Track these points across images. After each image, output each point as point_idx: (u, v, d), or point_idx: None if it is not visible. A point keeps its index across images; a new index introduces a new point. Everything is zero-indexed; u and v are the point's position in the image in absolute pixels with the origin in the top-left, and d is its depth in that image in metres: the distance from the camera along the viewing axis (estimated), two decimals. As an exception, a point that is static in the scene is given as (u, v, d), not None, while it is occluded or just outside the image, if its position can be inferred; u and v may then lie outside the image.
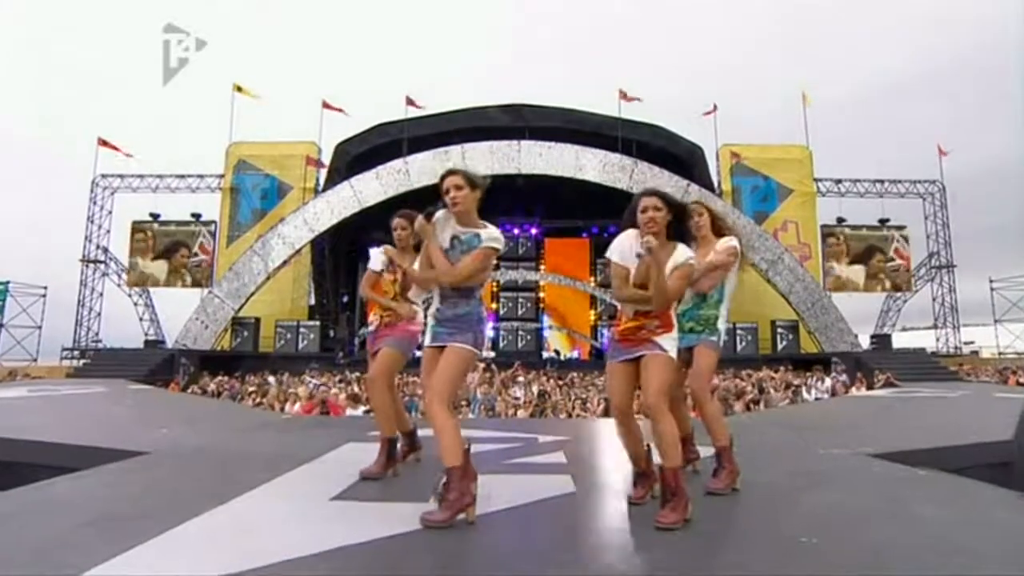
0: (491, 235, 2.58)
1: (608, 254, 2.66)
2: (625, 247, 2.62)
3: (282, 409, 8.78)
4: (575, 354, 26.71)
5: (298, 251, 20.90)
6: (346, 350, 23.62)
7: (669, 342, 2.55)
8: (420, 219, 2.63)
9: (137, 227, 23.28)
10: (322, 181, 23.73)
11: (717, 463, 2.97)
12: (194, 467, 3.29)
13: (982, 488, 2.92)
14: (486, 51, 44.32)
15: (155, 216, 23.36)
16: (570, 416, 7.38)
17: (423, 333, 2.96)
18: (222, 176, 23.76)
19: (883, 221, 24.13)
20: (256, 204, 23.91)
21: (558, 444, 4.31)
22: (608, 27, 46.90)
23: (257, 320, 21.32)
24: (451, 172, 2.60)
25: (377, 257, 3.53)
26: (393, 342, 3.30)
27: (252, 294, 20.26)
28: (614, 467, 3.45)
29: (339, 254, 24.44)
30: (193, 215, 23.49)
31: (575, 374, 15.34)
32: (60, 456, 3.61)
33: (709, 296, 3.13)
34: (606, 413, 7.33)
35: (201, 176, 23.84)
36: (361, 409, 8.05)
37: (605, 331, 29.75)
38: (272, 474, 3.05)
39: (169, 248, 23.27)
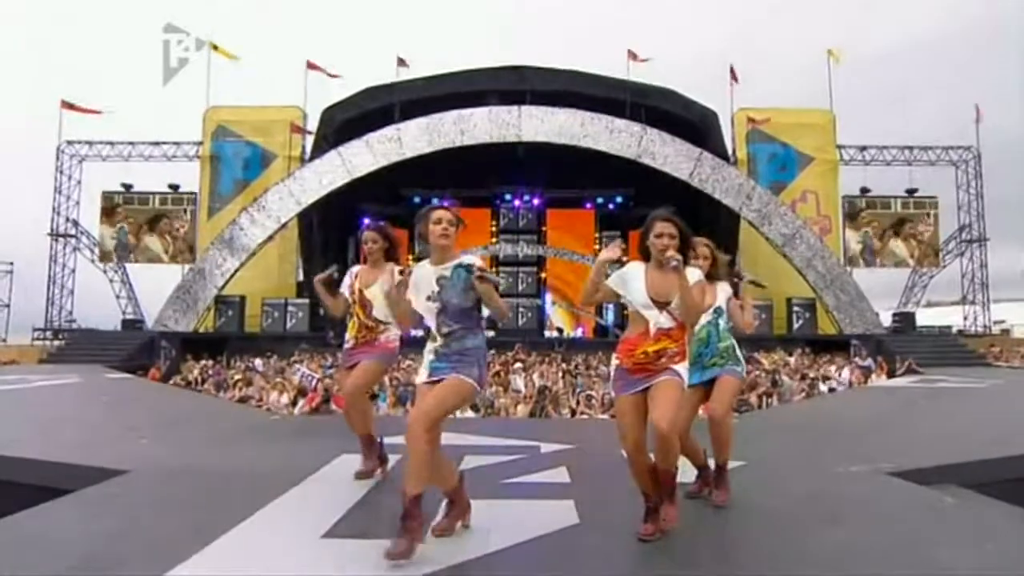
0: (473, 261, 2.70)
1: (609, 282, 2.76)
2: (630, 277, 2.72)
3: (268, 402, 8.84)
4: (579, 332, 26.77)
5: (284, 225, 20.77)
6: (337, 329, 23.67)
7: (684, 370, 2.67)
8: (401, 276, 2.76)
9: (108, 198, 23.04)
10: (308, 149, 23.45)
11: (718, 475, 3.22)
12: (176, 493, 3.30)
13: (1016, 521, 2.92)
14: (484, 7, 43.37)
15: (127, 187, 23.08)
16: (574, 413, 7.41)
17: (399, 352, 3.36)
18: (200, 144, 23.46)
19: (911, 191, 23.88)
20: (238, 174, 23.63)
21: (561, 456, 4.34)
22: (616, -23, 45.78)
23: (242, 298, 21.28)
24: (443, 207, 2.77)
25: (346, 280, 3.68)
26: (373, 357, 3.48)
27: (236, 271, 20.20)
28: (620, 490, 3.47)
29: (328, 227, 24.29)
30: (170, 186, 23.26)
31: (579, 358, 15.41)
32: (33, 474, 3.63)
33: (721, 330, 3.31)
34: (609, 409, 7.38)
35: (177, 143, 23.50)
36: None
37: (610, 308, 29.83)
38: (259, 501, 3.06)
39: (151, 220, 23.07)
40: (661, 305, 2.64)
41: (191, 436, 4.98)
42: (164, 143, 23.39)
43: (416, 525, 2.41)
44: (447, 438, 4.83)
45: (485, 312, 2.74)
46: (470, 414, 7.25)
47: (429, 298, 2.69)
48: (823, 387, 9.14)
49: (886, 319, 22.47)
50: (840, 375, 10.65)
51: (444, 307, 2.66)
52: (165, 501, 3.17)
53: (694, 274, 2.70)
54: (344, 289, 3.64)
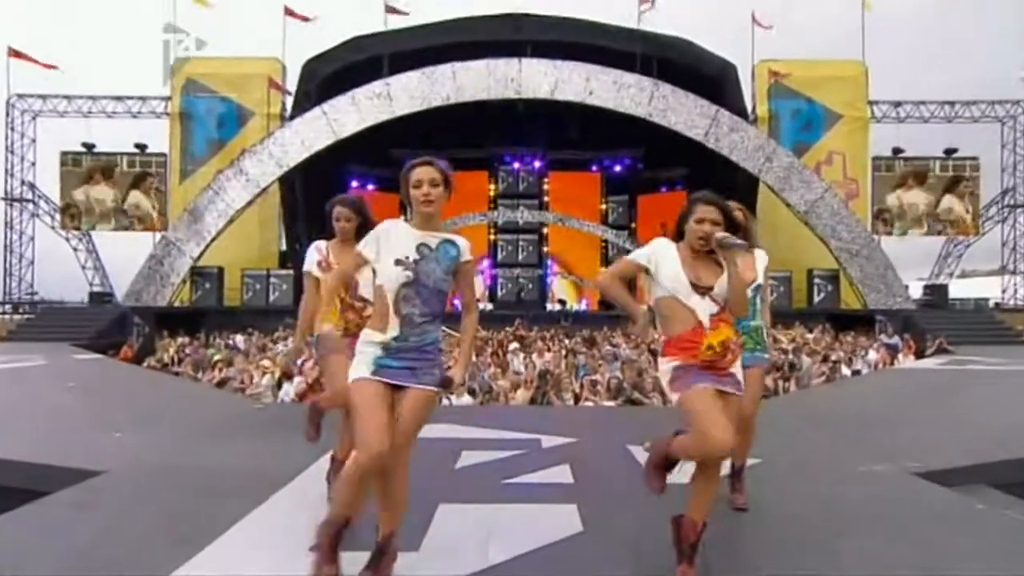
0: (467, 246, 2.50)
1: (636, 256, 2.57)
2: (662, 258, 2.52)
3: (251, 381, 8.90)
4: (583, 305, 26.81)
5: (264, 189, 20.64)
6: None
7: (739, 373, 2.58)
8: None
9: (68, 160, 22.72)
10: (289, 106, 23.17)
11: (738, 479, 3.29)
12: (154, 499, 3.34)
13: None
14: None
15: (89, 147, 22.70)
16: (577, 399, 7.47)
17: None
18: (168, 99, 23.14)
19: (949, 152, 23.58)
20: (212, 133, 23.39)
21: (563, 452, 4.39)
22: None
23: (220, 269, 21.28)
24: (426, 162, 2.46)
25: (311, 256, 3.44)
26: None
27: (213, 239, 20.14)
28: (625, 492, 3.52)
29: (312, 192, 24.06)
30: (137, 146, 23.02)
31: (584, 334, 15.46)
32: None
33: (757, 309, 3.28)
34: (616, 396, 7.43)
35: (143, 98, 23.18)
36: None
37: (618, 279, 29.81)
38: (244, 506, 3.10)
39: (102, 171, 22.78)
40: (703, 290, 2.48)
41: (170, 429, 5.02)
42: (128, 98, 23.06)
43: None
44: (444, 429, 4.88)
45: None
46: (467, 399, 7.30)
47: (400, 263, 2.36)
48: (846, 370, 9.20)
49: (916, 290, 22.46)
50: (866, 355, 10.69)
51: (416, 280, 2.35)
52: (143, 510, 3.20)
53: (762, 258, 2.79)
54: (311, 267, 3.42)
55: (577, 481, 3.73)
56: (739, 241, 2.50)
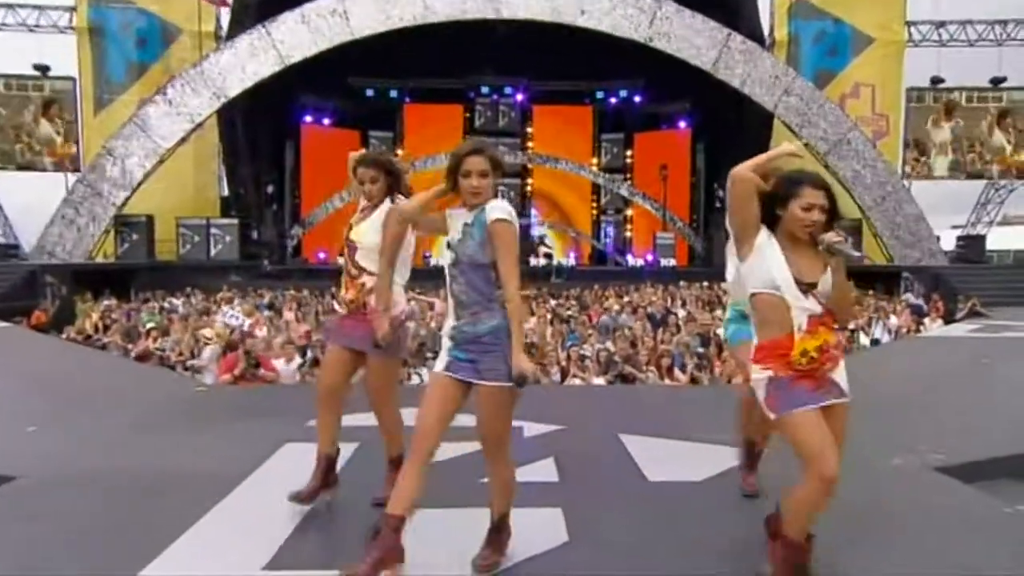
0: (497, 205, 2.63)
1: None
2: (764, 246, 2.49)
3: (192, 356, 8.88)
4: (571, 259, 26.90)
5: (199, 125, 20.22)
6: (274, 255, 23.64)
7: (844, 378, 2.53)
8: None
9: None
10: (225, 24, 22.54)
11: (756, 463, 3.57)
12: (77, 511, 3.32)
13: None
14: None
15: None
16: (564, 375, 7.57)
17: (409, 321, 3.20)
18: (73, 10, 22.30)
19: (996, 81, 23.58)
20: (131, 54, 22.83)
21: (547, 442, 4.46)
22: None
23: (150, 218, 21.00)
24: (476, 151, 2.63)
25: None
26: (355, 343, 3.28)
27: (140, 183, 19.78)
28: (614, 491, 3.62)
29: (258, 128, 23.75)
30: (37, 67, 22.24)
31: (573, 294, 15.55)
32: None
33: None
34: (606, 371, 7.55)
35: (40, 7, 22.27)
36: (296, 362, 8.18)
37: (610, 229, 29.91)
38: (185, 519, 3.12)
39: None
40: (807, 287, 2.43)
41: (94, 421, 5.00)
42: (21, 6, 22.10)
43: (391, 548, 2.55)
44: (413, 416, 4.92)
45: None
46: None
47: (449, 245, 2.68)
48: (864, 339, 9.39)
49: (949, 241, 22.72)
50: (888, 320, 10.90)
51: (457, 261, 2.63)
52: (64, 524, 3.17)
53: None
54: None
55: (563, 479, 3.81)
56: (856, 252, 2.47)
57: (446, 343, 2.67)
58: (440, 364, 2.66)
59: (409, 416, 3.01)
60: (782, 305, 2.43)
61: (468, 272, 2.60)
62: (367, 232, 3.30)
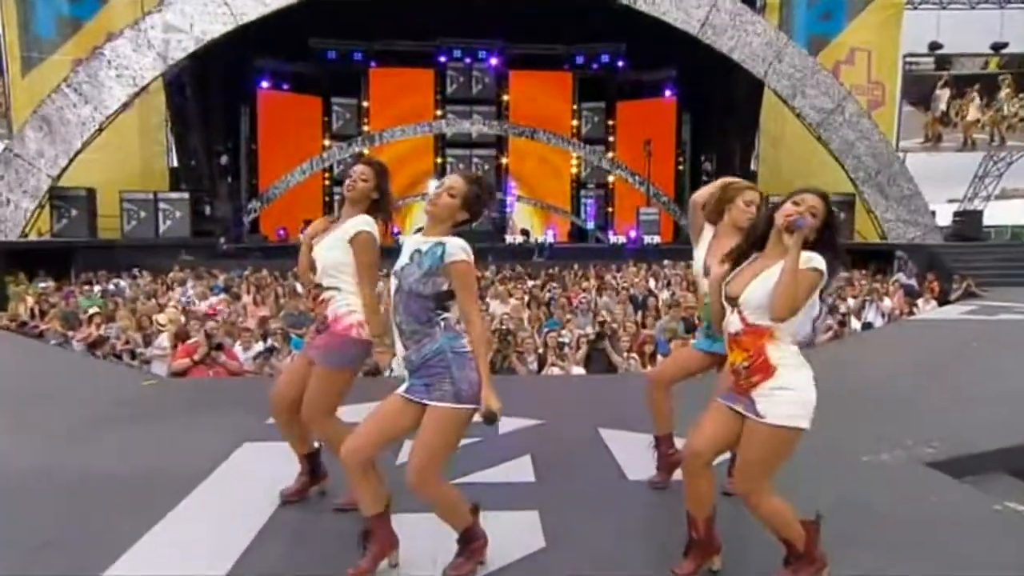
0: (458, 245, 2.73)
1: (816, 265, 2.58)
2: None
3: (145, 343, 8.78)
4: (549, 236, 26.93)
5: (143, 89, 19.82)
6: (231, 232, 23.39)
7: (768, 401, 2.63)
8: None
9: None
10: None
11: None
12: (17, 522, 3.31)
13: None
14: None
15: None
16: (542, 365, 7.63)
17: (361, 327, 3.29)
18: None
19: (998, 47, 23.89)
20: (62, 8, 22.36)
21: (524, 439, 4.54)
22: None
23: (91, 192, 20.63)
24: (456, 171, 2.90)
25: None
26: (320, 357, 3.31)
27: (78, 152, 19.40)
28: (594, 493, 3.69)
29: (210, 93, 23.38)
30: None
31: (548, 274, 15.60)
32: None
33: None
34: (587, 360, 7.63)
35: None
36: (256, 348, 8.14)
37: (590, 204, 29.98)
38: (135, 528, 3.13)
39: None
40: (731, 301, 2.72)
41: (31, 419, 4.97)
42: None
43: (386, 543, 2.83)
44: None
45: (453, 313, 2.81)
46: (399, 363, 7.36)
47: (393, 273, 2.83)
48: (855, 323, 9.56)
49: (945, 215, 23.04)
50: (881, 303, 11.10)
51: (399, 288, 2.77)
52: (1, 533, 3.18)
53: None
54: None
55: (539, 479, 3.88)
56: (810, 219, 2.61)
57: (402, 370, 2.83)
58: (401, 388, 2.80)
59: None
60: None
61: (407, 300, 2.74)
62: (327, 249, 3.34)
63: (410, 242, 2.84)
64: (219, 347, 7.50)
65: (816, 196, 2.63)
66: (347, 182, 3.42)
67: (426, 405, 2.70)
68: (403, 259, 2.79)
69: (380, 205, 3.44)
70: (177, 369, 7.29)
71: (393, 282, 2.81)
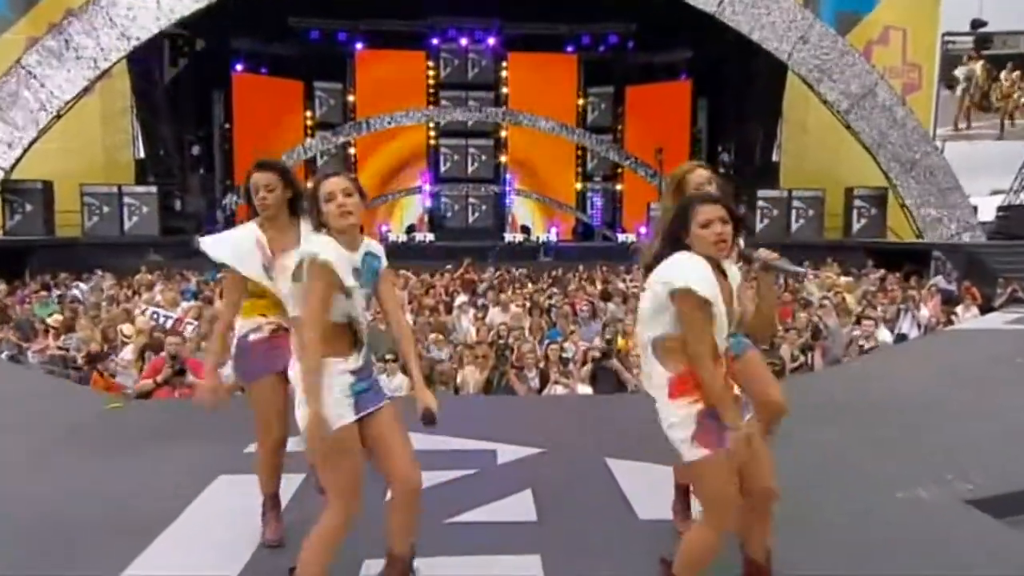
0: (381, 250, 3.02)
1: (690, 284, 2.60)
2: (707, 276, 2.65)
3: (107, 353, 8.76)
4: (552, 234, 26.91)
5: (105, 72, 19.87)
6: (203, 229, 23.34)
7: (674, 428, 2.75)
8: None
9: None
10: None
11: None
12: None
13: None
14: None
15: None
16: (544, 381, 7.63)
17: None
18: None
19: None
20: (15, -16, 22.40)
21: (524, 469, 4.54)
22: None
23: (47, 185, 20.73)
24: (333, 173, 2.88)
25: (248, 248, 3.48)
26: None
27: (33, 142, 19.42)
28: (601, 533, 3.69)
29: (181, 78, 23.39)
30: None
31: (552, 277, 15.61)
32: None
33: None
34: (593, 378, 7.63)
35: None
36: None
37: (597, 199, 29.99)
38: (109, 565, 3.13)
39: None
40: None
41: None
42: None
43: None
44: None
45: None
46: (401, 380, 7.35)
47: (361, 286, 2.88)
48: (886, 334, 9.50)
49: (988, 210, 22.92)
50: (918, 313, 11.07)
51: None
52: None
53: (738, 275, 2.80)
54: (253, 271, 3.40)
55: (541, 518, 3.87)
56: (796, 268, 2.75)
57: (347, 381, 2.81)
58: (348, 414, 2.78)
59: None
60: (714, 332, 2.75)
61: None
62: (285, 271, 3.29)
63: (341, 254, 2.82)
64: (182, 371, 7.42)
65: (722, 208, 2.67)
66: (256, 199, 3.38)
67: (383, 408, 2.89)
68: (349, 278, 2.80)
69: (299, 205, 3.41)
70: (141, 391, 7.27)
71: (363, 295, 2.93)
